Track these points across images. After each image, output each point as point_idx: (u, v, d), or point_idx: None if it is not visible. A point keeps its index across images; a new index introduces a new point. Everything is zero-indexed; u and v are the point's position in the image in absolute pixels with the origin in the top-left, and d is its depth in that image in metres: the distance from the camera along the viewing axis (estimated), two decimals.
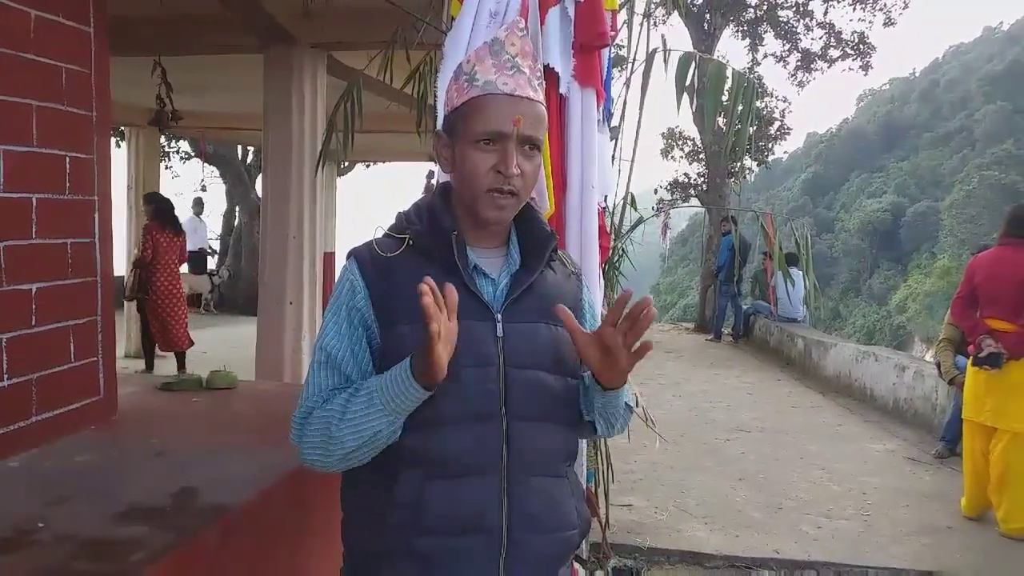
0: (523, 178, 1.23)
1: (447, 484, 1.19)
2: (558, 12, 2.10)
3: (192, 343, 7.11)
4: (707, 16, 13.69)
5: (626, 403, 1.38)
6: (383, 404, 1.13)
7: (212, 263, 13.80)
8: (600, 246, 2.26)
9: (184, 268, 13.08)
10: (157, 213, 6.87)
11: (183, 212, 11.22)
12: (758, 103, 3.24)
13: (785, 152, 48.98)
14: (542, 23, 2.08)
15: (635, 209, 3.24)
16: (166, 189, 11.72)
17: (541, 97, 1.25)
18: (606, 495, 3.12)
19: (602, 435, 1.41)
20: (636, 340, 1.17)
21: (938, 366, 5.20)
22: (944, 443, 5.38)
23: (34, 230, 2.08)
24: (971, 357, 4.11)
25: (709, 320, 12.50)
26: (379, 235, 1.31)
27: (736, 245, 8.55)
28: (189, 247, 12.49)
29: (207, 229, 13.67)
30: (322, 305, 5.33)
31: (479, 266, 1.26)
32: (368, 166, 16.62)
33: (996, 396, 4.00)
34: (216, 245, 15.48)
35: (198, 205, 12.80)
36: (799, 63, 14.97)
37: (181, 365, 6.98)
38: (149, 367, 7.19)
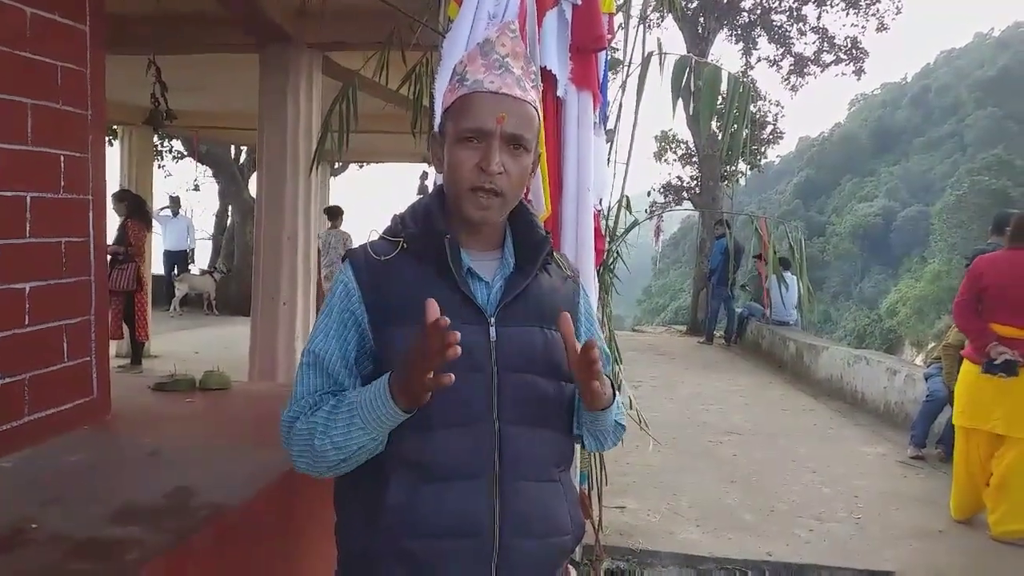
0: (507, 177, 1.20)
1: (438, 488, 1.19)
2: (556, 15, 2.11)
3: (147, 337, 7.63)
4: (701, 20, 13.77)
5: (617, 421, 1.36)
6: (363, 423, 1.13)
7: (201, 266, 13.71)
8: (596, 249, 2.27)
9: (196, 270, 13.11)
10: (137, 209, 7.26)
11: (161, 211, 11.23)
12: (751, 107, 3.24)
13: (777, 156, 49.24)
14: (540, 25, 2.08)
15: (630, 212, 3.25)
16: (159, 188, 11.65)
17: (532, 98, 1.23)
18: (599, 497, 3.12)
19: (591, 450, 1.39)
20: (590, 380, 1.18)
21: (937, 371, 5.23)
22: (914, 445, 5.43)
23: (28, 229, 2.08)
24: (984, 364, 3.93)
25: (701, 323, 12.55)
26: (374, 238, 1.30)
27: (730, 248, 8.58)
28: (170, 247, 12.51)
29: (193, 229, 13.51)
30: (316, 305, 5.33)
31: (472, 269, 1.25)
32: (361, 166, 16.62)
33: (1009, 404, 3.90)
34: (208, 245, 15.46)
35: (175, 204, 12.46)
36: (792, 67, 15.08)
37: (140, 358, 7.30)
38: (137, 362, 7.22)
